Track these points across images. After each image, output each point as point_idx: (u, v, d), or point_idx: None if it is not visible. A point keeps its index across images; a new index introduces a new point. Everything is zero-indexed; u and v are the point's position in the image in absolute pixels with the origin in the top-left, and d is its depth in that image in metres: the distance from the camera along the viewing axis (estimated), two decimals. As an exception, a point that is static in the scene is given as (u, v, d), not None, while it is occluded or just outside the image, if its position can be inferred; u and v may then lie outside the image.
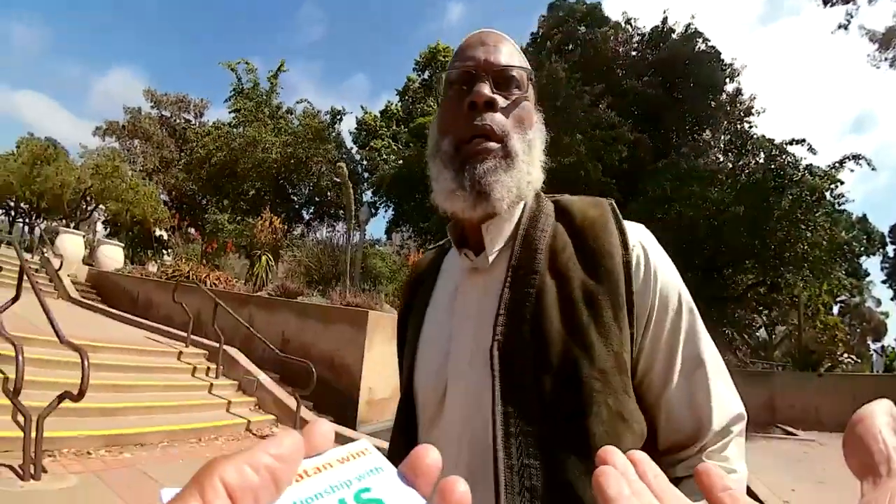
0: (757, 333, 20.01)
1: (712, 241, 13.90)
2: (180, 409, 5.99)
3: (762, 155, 14.66)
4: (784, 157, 13.82)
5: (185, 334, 8.06)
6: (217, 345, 7.48)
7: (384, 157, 23.58)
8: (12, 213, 27.22)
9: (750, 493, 5.77)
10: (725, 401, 0.73)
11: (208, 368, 7.36)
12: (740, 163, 15.27)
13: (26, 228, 26.76)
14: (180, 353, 7.50)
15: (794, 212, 13.09)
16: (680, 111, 17.57)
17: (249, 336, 7.87)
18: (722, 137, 17.37)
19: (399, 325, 0.96)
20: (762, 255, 13.61)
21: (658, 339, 0.73)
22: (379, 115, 27.37)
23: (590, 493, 0.56)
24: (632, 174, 15.07)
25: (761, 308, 17.59)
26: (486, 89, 0.75)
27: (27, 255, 12.72)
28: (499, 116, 0.76)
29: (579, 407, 0.65)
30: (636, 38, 19.39)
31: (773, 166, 13.67)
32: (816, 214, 13.29)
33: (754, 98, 17.88)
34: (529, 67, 0.81)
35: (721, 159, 16.65)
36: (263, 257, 12.00)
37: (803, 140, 13.92)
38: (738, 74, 17.78)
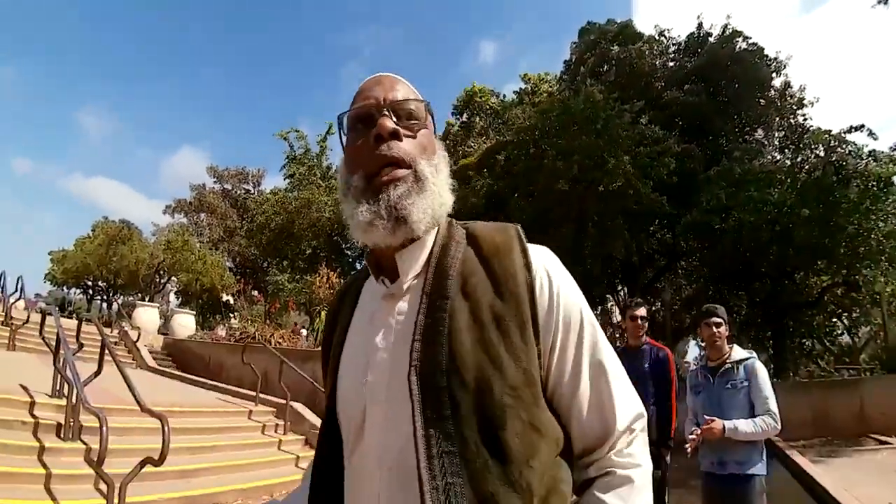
0: (839, 339, 18.31)
1: (778, 246, 13.04)
2: (252, 466, 6.12)
3: (821, 148, 13.82)
4: (844, 147, 12.96)
5: (253, 393, 8.32)
6: (284, 401, 7.65)
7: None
8: (90, 291, 29.28)
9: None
10: (627, 402, 0.81)
11: (277, 425, 7.52)
12: (798, 159, 14.44)
13: (104, 305, 28.72)
14: (250, 412, 7.72)
15: (862, 203, 12.14)
16: (727, 115, 16.96)
17: (314, 391, 8.03)
18: (776, 135, 16.58)
19: (323, 353, 0.98)
20: (834, 253, 12.59)
21: (565, 353, 0.78)
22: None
23: (510, 500, 0.67)
24: (683, 187, 14.54)
25: (840, 311, 16.12)
26: (389, 122, 0.79)
27: (107, 330, 13.64)
28: (404, 144, 0.80)
29: (494, 423, 0.69)
30: (672, 49, 19.10)
31: (833, 158, 12.82)
32: (886, 203, 12.28)
33: (804, 89, 17.05)
34: (425, 101, 0.86)
35: (778, 158, 15.83)
36: (323, 312, 12.33)
37: (862, 126, 13.04)
38: (785, 67, 17.03)
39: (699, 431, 3.30)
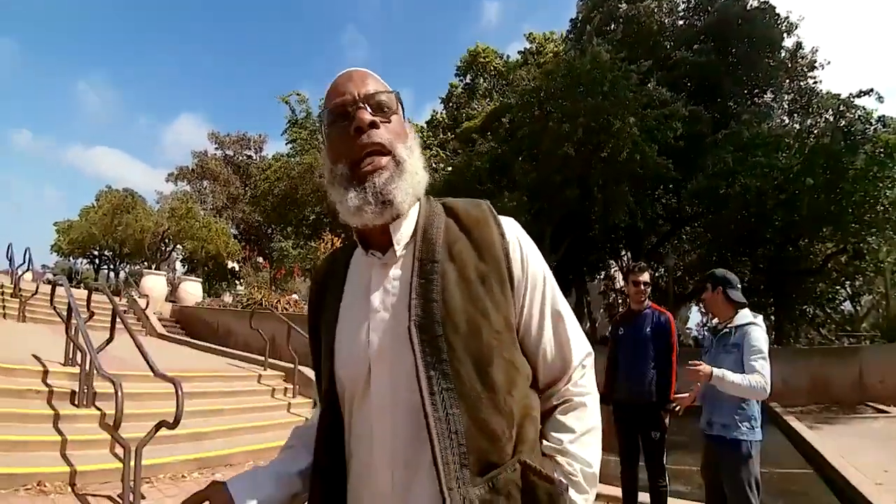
0: (841, 307, 18.27)
1: (783, 211, 12.94)
2: (263, 428, 6.29)
3: (830, 113, 13.54)
4: (853, 111, 12.69)
5: (262, 358, 8.49)
6: (292, 366, 7.81)
7: (433, 166, 23.82)
8: (96, 261, 29.60)
9: (839, 477, 5.32)
10: (580, 343, 0.98)
11: (286, 389, 7.69)
12: (807, 123, 14.16)
13: (111, 274, 28.97)
14: (259, 376, 7.90)
15: (869, 170, 11.98)
16: (736, 76, 16.58)
17: (321, 354, 8.17)
18: (785, 98, 16.24)
19: (311, 338, 1.06)
20: (840, 220, 12.48)
21: (532, 305, 0.94)
22: (425, 125, 27.69)
23: (499, 423, 0.81)
24: (690, 150, 14.32)
25: (843, 278, 16.06)
26: (366, 114, 0.89)
27: (115, 299, 13.81)
28: (382, 131, 0.90)
29: (484, 360, 0.83)
30: (682, 6, 18.52)
31: (841, 124, 12.57)
32: (893, 170, 12.09)
33: (816, 51, 16.63)
34: (395, 91, 0.97)
35: (786, 122, 15.53)
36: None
37: (871, 90, 12.77)
38: (796, 28, 16.59)
39: (695, 389, 3.37)
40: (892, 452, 6.41)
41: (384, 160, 0.89)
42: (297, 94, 25.10)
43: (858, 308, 19.27)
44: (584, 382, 0.96)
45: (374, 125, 0.89)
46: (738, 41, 16.45)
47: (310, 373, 8.03)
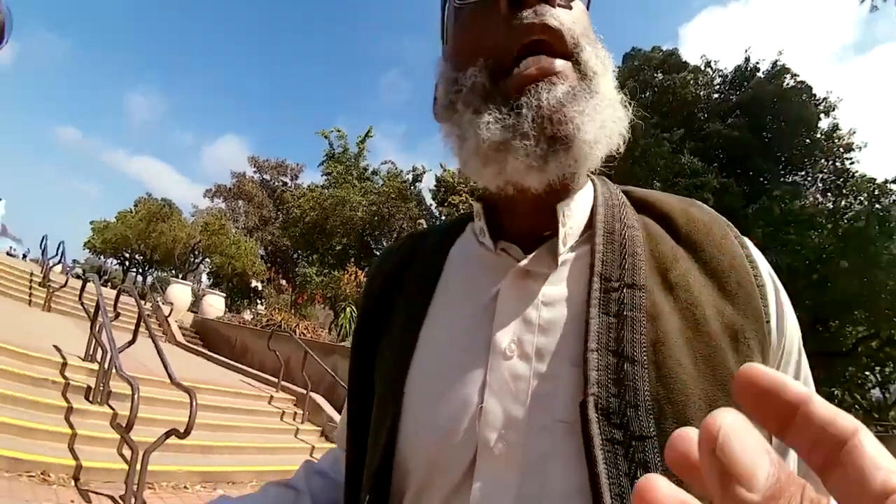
0: (869, 393, 17.65)
1: (815, 291, 12.77)
2: (270, 450, 6.29)
3: (864, 196, 13.51)
4: (888, 196, 12.66)
5: (276, 380, 8.55)
6: (304, 391, 7.85)
7: (462, 211, 24.18)
8: (126, 263, 30.32)
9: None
10: None
11: (295, 413, 7.70)
12: (842, 204, 14.11)
13: (139, 277, 29.66)
14: (271, 397, 7.95)
15: (904, 257, 11.85)
16: (770, 152, 16.67)
17: (334, 384, 8.22)
18: (819, 177, 16.19)
19: (361, 339, 0.64)
20: (872, 305, 12.30)
21: None
22: (456, 171, 28.22)
23: None
24: (720, 222, 14.31)
25: (874, 364, 15.61)
26: None
27: (141, 303, 14.10)
28: (562, 12, 0.50)
29: None
30: (717, 81, 18.88)
31: (876, 208, 12.53)
32: None
33: (854, 133, 16.64)
34: None
35: (820, 200, 15.46)
36: (348, 309, 12.58)
37: (907, 177, 12.70)
38: (834, 109, 16.69)
39: None
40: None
41: (559, 63, 0.49)
42: (338, 131, 26.06)
43: (887, 395, 18.55)
44: None
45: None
46: (772, 118, 16.63)
47: (321, 400, 8.03)
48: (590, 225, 0.54)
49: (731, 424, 0.17)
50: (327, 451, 0.74)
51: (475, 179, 0.54)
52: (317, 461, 0.73)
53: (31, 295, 11.25)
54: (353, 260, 19.22)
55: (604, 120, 0.49)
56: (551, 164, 0.48)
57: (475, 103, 0.50)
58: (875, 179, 13.37)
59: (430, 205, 27.61)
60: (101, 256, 29.53)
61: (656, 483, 0.18)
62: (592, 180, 0.59)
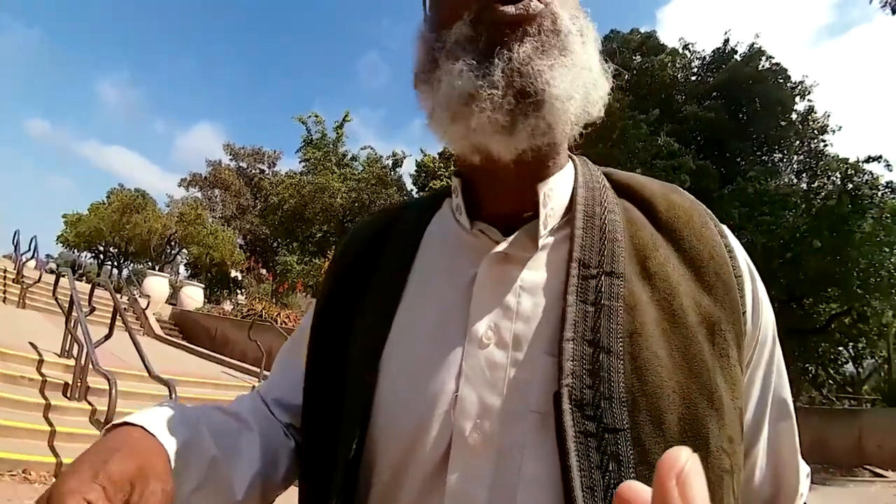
0: (843, 368, 18.30)
1: (789, 270, 13.08)
2: (251, 440, 6.25)
3: (837, 176, 13.83)
4: (861, 176, 12.97)
5: (257, 370, 8.51)
6: (285, 380, 7.82)
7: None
8: (101, 256, 29.84)
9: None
10: (799, 458, 0.58)
11: (277, 402, 7.68)
12: (815, 184, 14.42)
13: (114, 270, 29.18)
14: (253, 387, 7.86)
15: (875, 234, 12.19)
16: (746, 134, 16.90)
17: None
18: (794, 158, 16.48)
19: (327, 319, 0.59)
20: (845, 282, 12.66)
21: (753, 384, 0.53)
22: (437, 156, 28.12)
23: None
24: (697, 203, 14.57)
25: (847, 340, 16.16)
26: None
27: (117, 296, 13.90)
28: None
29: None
30: (695, 63, 19.00)
31: (849, 187, 12.85)
32: None
33: (829, 115, 16.93)
34: None
35: (794, 181, 15.77)
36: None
37: (879, 157, 13.03)
38: (809, 92, 16.94)
39: None
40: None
41: (536, 4, 0.47)
42: (315, 116, 25.68)
43: (860, 370, 19.25)
44: None
45: None
46: (748, 100, 16.80)
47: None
48: (570, 208, 0.53)
49: (694, 464, 0.18)
50: (240, 397, 0.65)
51: (442, 138, 0.51)
52: (237, 402, 0.64)
53: (4, 292, 11.03)
54: (333, 247, 19.08)
55: (576, 77, 0.47)
56: (520, 126, 0.46)
57: (456, 52, 0.48)
58: (848, 160, 13.66)
59: (411, 190, 27.47)
60: (75, 250, 28.87)
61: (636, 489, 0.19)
62: (573, 160, 0.58)
